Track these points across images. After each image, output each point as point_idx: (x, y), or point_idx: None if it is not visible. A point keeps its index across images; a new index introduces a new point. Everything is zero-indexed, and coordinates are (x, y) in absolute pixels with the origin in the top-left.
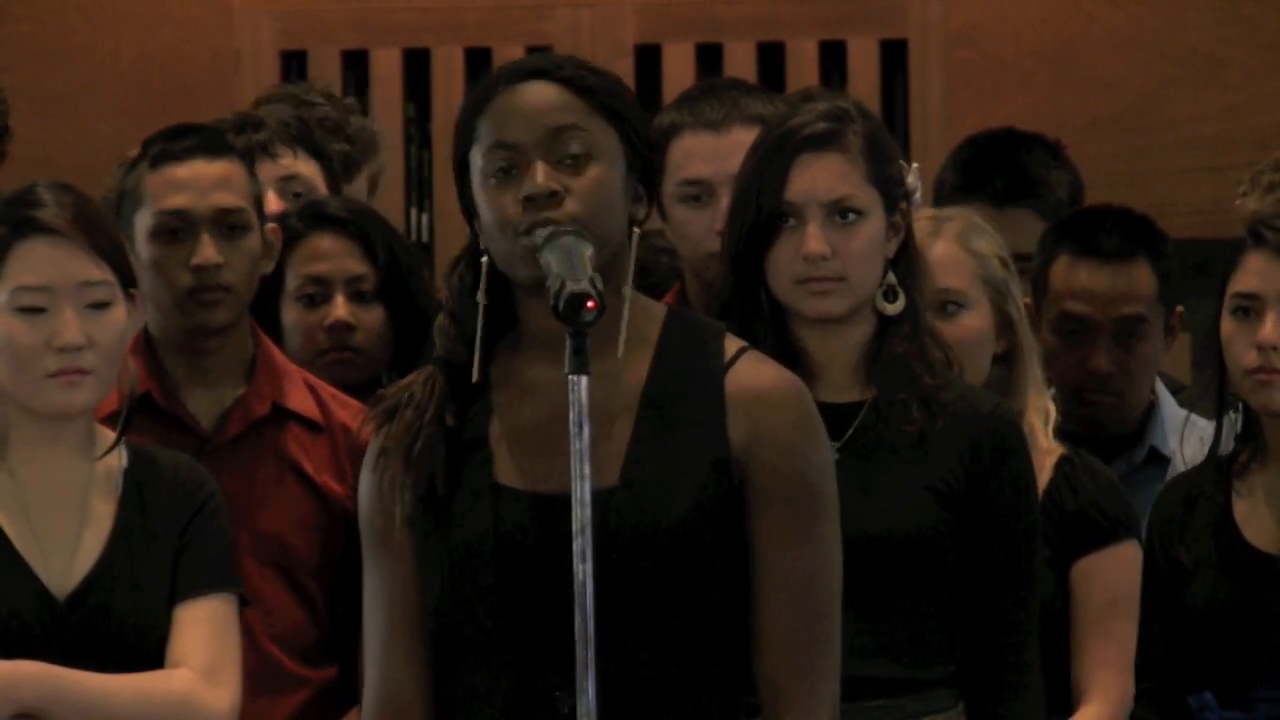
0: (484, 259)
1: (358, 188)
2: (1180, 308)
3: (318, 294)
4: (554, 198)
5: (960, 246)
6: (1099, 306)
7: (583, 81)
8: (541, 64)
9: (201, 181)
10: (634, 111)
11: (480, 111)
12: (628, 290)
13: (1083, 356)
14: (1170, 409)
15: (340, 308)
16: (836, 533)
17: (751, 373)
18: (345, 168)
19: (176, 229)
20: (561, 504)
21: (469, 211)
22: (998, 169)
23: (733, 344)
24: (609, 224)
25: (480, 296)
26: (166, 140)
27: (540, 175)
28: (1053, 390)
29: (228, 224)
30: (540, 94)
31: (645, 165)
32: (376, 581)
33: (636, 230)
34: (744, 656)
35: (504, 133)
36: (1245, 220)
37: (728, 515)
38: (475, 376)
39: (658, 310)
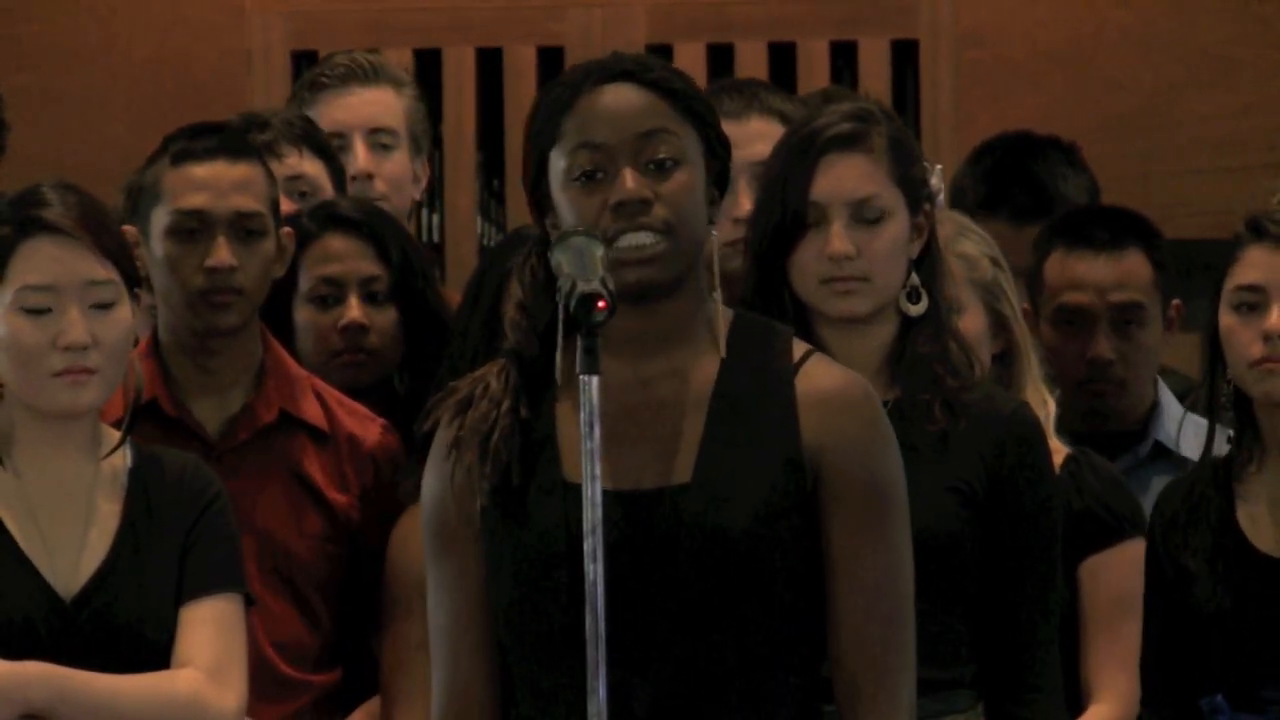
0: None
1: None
2: (1178, 300)
3: (331, 295)
4: (644, 205)
5: (946, 252)
6: (1096, 295)
7: (669, 84)
8: (627, 65)
9: (221, 183)
10: (714, 115)
11: (564, 110)
12: (716, 295)
13: (1083, 347)
14: (1173, 405)
15: (355, 309)
16: (908, 535)
17: (822, 374)
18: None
19: (193, 229)
20: (632, 500)
21: (540, 206)
22: (1016, 185)
23: (800, 346)
24: (694, 228)
25: (560, 297)
26: (189, 138)
27: (630, 181)
28: (1058, 392)
29: (245, 228)
30: (628, 96)
31: (721, 168)
32: (441, 578)
33: (715, 233)
34: (816, 657)
35: (591, 134)
36: None
37: (799, 514)
38: (558, 378)
39: (726, 311)
